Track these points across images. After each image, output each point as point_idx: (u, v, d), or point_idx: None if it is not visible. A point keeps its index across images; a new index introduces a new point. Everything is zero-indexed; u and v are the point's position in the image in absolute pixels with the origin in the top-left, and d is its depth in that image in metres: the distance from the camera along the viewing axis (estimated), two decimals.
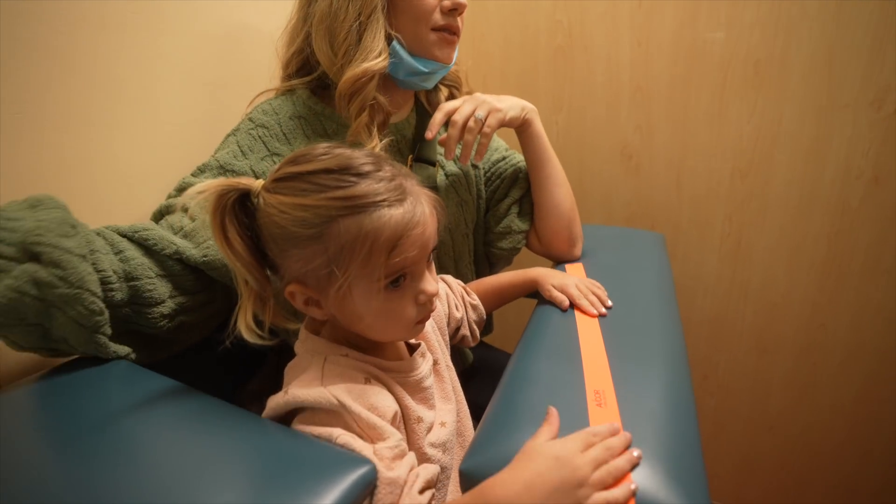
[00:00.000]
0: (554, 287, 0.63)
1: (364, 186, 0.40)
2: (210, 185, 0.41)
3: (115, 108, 0.67)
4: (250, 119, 0.65)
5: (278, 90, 0.70)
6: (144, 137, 0.71)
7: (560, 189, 0.75)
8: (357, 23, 0.60)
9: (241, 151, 0.63)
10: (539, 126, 0.73)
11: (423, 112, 0.76)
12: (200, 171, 0.63)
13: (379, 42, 0.61)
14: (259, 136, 0.64)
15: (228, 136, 0.66)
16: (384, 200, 0.40)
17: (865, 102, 0.89)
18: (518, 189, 0.78)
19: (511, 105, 0.69)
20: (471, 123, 0.65)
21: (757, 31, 0.93)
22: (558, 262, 0.78)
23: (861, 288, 0.99)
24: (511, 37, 1.14)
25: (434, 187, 0.73)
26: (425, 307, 0.45)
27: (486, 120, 0.66)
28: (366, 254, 0.39)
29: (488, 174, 0.80)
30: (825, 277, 1.02)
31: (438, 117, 0.66)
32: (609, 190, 1.15)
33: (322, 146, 0.44)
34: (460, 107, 0.66)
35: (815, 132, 0.94)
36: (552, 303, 0.63)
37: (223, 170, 0.61)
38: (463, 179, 0.76)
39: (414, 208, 0.42)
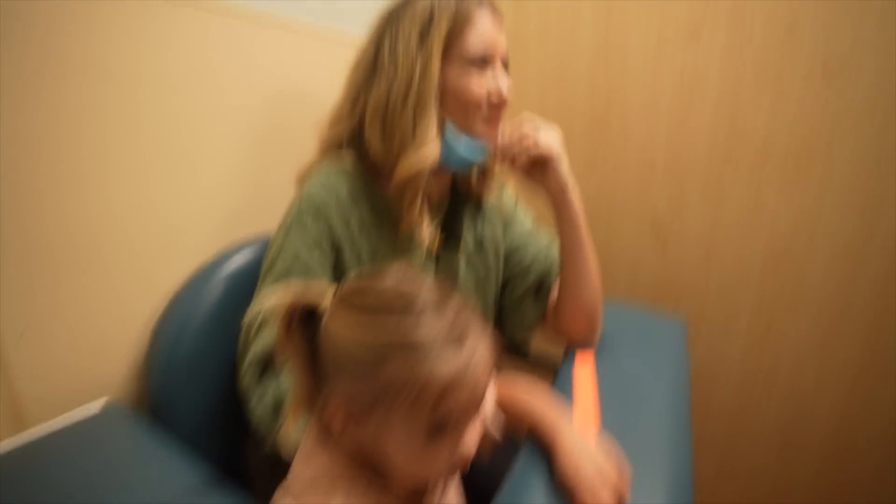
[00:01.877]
0: (565, 468, 0.48)
1: (424, 326, 0.39)
2: (283, 296, 0.41)
3: (161, 161, 0.68)
4: (311, 202, 0.63)
5: (326, 163, 0.67)
6: (186, 190, 0.72)
7: (589, 279, 0.71)
8: (413, 116, 0.61)
9: (311, 243, 0.61)
10: (578, 209, 0.69)
11: (457, 192, 0.74)
12: (283, 278, 0.60)
13: (432, 132, 0.62)
14: (323, 226, 0.62)
15: (292, 221, 0.62)
16: (442, 345, 0.39)
17: None
18: (535, 274, 0.75)
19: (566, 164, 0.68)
20: (527, 142, 0.65)
21: (802, 118, 0.91)
22: (573, 346, 0.75)
23: None
24: (547, 100, 1.14)
25: (455, 268, 0.72)
26: (458, 463, 0.43)
27: (539, 139, 0.65)
28: (413, 399, 0.38)
29: (508, 252, 0.77)
30: (858, 384, 0.95)
31: (509, 133, 0.66)
32: (635, 260, 1.11)
33: (392, 273, 0.43)
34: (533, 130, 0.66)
35: (856, 231, 0.90)
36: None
37: (304, 270, 0.60)
38: (483, 264, 0.74)
39: (471, 357, 0.40)
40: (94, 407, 0.62)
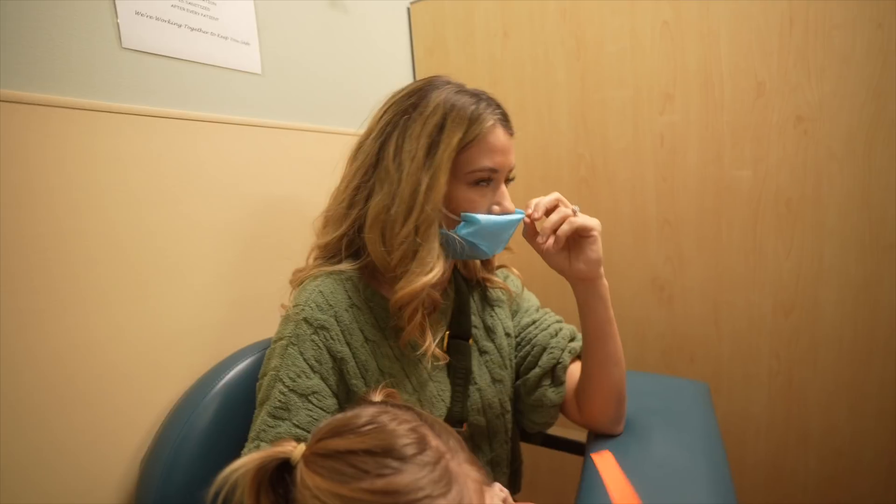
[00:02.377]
0: None
1: (406, 477, 0.37)
2: (250, 460, 0.39)
3: (151, 278, 0.68)
4: (306, 321, 0.59)
5: (322, 269, 0.64)
6: (170, 309, 0.71)
7: (617, 368, 0.67)
8: (415, 236, 0.58)
9: (310, 367, 0.57)
10: (607, 292, 0.66)
11: (460, 282, 0.72)
12: (282, 408, 0.56)
13: (434, 253, 0.58)
14: (322, 343, 0.58)
15: (288, 345, 0.58)
16: (426, 497, 0.36)
17: None
18: (549, 356, 0.72)
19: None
20: (567, 211, 0.62)
21: (785, 170, 0.92)
22: (598, 430, 0.71)
23: None
24: (534, 168, 1.17)
25: (468, 367, 0.68)
26: None
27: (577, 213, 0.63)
28: None
29: (518, 339, 0.75)
30: None
31: (547, 200, 0.63)
32: (641, 320, 1.09)
33: (367, 415, 0.41)
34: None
35: (862, 271, 0.89)
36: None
37: (304, 398, 0.56)
38: (497, 356, 0.71)
39: (460, 501, 0.37)
40: None
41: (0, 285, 0.54)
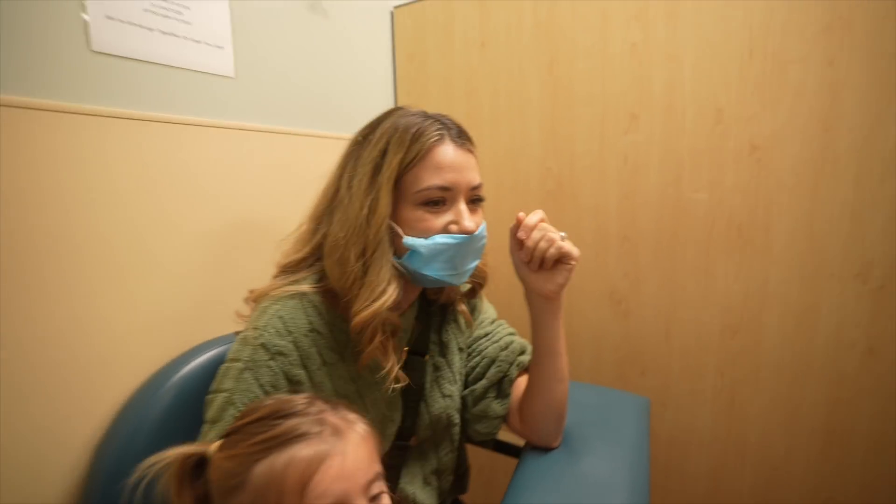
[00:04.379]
0: None
1: (288, 423, 0.41)
2: (170, 455, 0.42)
3: (110, 273, 0.70)
4: (264, 346, 0.57)
5: (286, 290, 0.62)
6: (142, 294, 0.74)
7: (562, 385, 0.69)
8: (363, 262, 0.58)
9: (265, 393, 0.56)
10: (562, 311, 0.68)
11: (425, 301, 0.73)
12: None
13: (383, 278, 0.58)
14: (279, 369, 0.57)
15: (244, 369, 0.57)
16: (298, 436, 0.40)
17: (850, 275, 0.88)
18: (496, 370, 0.74)
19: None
20: (556, 237, 0.63)
21: (738, 196, 0.95)
22: (537, 443, 0.74)
23: (869, 462, 0.92)
24: (503, 179, 1.19)
25: (421, 384, 0.70)
26: None
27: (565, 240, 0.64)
28: (277, 495, 0.39)
29: (470, 349, 0.76)
30: (828, 446, 0.95)
31: (534, 219, 0.63)
32: (598, 332, 1.13)
33: (272, 399, 0.46)
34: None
35: (803, 298, 0.93)
36: None
37: None
38: (448, 372, 0.73)
39: (331, 442, 0.41)
40: None
41: None
